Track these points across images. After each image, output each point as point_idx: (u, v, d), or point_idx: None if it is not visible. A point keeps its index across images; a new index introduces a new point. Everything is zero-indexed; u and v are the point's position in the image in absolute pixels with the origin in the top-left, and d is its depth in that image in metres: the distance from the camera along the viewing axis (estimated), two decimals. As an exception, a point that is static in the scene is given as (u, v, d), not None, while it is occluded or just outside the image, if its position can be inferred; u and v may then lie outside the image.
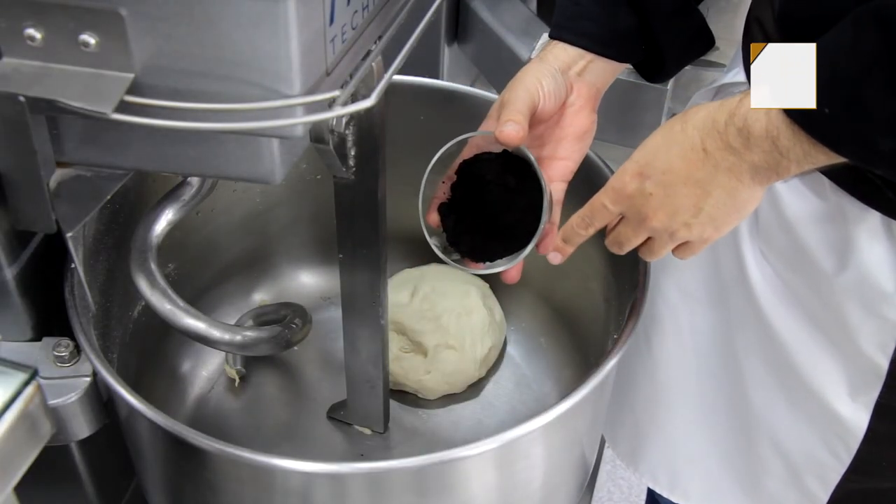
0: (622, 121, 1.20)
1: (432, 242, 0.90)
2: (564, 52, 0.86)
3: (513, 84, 0.84)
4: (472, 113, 1.04)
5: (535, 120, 0.83)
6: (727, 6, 1.41)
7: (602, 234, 0.85)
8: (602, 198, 0.80)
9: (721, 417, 1.02)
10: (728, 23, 1.27)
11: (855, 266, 0.80)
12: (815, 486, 0.93)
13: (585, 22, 0.85)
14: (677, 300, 1.02)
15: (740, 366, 0.97)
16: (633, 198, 0.77)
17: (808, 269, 0.85)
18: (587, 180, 0.96)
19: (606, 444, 1.19)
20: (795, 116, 0.65)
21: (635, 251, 0.84)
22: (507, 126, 0.79)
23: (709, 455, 1.05)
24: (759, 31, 0.84)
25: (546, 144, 0.87)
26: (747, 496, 1.02)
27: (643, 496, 1.63)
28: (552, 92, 0.84)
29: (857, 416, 0.86)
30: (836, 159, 0.65)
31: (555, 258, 0.85)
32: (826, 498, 0.93)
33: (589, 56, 0.86)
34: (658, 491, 1.12)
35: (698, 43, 0.89)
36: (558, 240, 0.84)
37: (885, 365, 0.82)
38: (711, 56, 1.25)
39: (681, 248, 0.80)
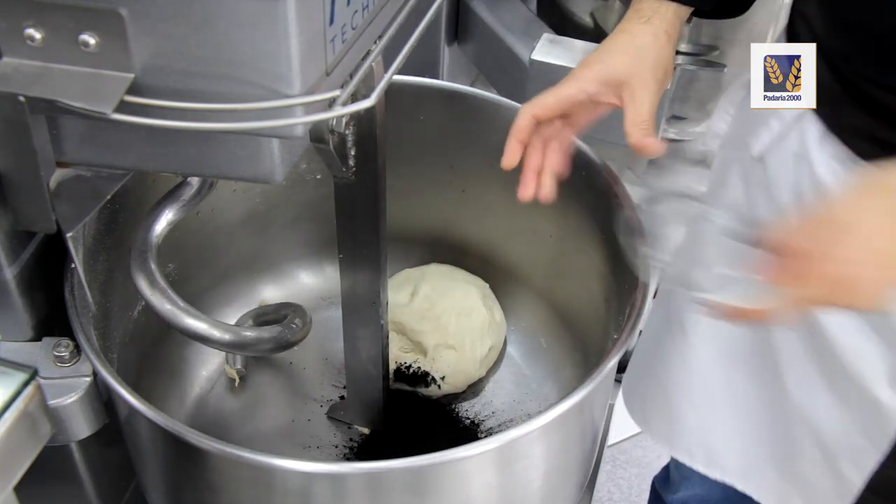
0: (622, 121, 1.20)
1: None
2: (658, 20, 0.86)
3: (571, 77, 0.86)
4: (472, 113, 1.04)
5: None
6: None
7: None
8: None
9: (757, 401, 1.02)
10: (729, 23, 1.26)
11: None
12: (850, 471, 0.93)
13: None
14: None
15: (777, 350, 0.97)
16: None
17: None
18: (586, 179, 0.96)
19: (607, 444, 1.19)
20: None
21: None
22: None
23: (744, 435, 1.05)
24: (803, 25, 0.84)
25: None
26: (782, 477, 1.03)
27: (643, 496, 1.63)
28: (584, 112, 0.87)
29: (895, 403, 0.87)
30: None
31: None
32: (861, 483, 0.93)
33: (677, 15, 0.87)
34: (694, 467, 1.12)
35: None
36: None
37: None
38: (711, 56, 1.25)
39: None
